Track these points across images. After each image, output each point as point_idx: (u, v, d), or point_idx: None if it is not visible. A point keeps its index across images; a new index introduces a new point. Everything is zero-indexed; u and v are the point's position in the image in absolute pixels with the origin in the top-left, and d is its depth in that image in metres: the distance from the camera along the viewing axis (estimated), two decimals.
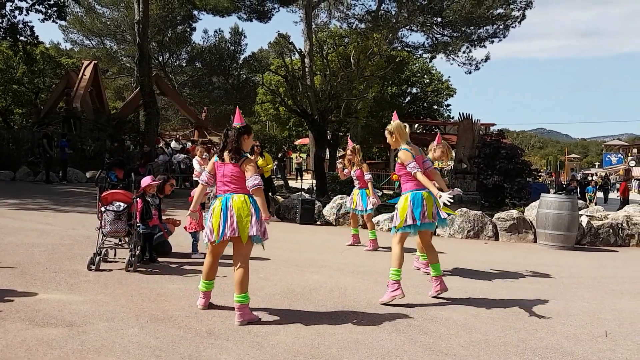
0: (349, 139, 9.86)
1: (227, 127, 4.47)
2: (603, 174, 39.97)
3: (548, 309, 5.16)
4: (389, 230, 10.11)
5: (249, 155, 4.43)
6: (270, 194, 11.74)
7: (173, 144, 24.50)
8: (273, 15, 29.39)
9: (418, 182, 5.05)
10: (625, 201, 22.44)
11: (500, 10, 27.69)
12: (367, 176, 8.10)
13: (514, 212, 10.49)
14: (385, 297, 5.02)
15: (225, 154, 4.37)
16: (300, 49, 19.35)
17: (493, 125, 31.02)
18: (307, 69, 19.54)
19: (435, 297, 5.31)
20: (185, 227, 6.83)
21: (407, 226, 5.08)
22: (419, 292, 5.50)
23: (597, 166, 70.18)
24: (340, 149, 34.19)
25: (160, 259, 6.44)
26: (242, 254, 4.29)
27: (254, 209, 4.27)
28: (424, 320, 4.56)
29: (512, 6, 27.69)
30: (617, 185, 45.42)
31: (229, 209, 4.24)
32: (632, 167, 50.05)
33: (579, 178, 28.49)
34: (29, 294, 4.67)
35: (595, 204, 18.41)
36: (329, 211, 11.28)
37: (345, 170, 8.44)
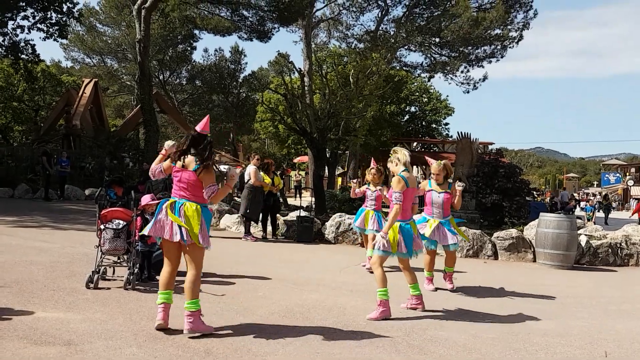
0: (372, 159, 9.21)
1: (192, 133, 4.39)
2: (603, 194, 39.95)
3: (548, 329, 5.15)
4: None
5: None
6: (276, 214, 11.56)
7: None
8: (273, 35, 29.60)
9: (402, 213, 5.25)
10: None
11: (497, 31, 28.00)
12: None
13: (513, 231, 10.49)
14: (373, 315, 5.12)
15: (187, 161, 4.32)
16: (299, 68, 19.52)
17: (491, 144, 31.19)
18: (306, 88, 19.63)
19: (411, 308, 5.52)
20: None
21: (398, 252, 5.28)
22: (419, 312, 5.48)
23: (595, 185, 70.30)
24: (339, 167, 34.28)
25: (158, 277, 6.41)
26: (193, 259, 4.31)
27: (205, 218, 4.33)
28: (423, 341, 4.54)
29: (509, 27, 28.03)
30: (614, 205, 45.44)
31: (181, 215, 4.25)
32: (630, 186, 50.12)
33: (576, 196, 28.43)
34: (27, 312, 4.65)
35: (594, 224, 18.40)
36: (328, 229, 11.26)
37: (360, 189, 8.17)
